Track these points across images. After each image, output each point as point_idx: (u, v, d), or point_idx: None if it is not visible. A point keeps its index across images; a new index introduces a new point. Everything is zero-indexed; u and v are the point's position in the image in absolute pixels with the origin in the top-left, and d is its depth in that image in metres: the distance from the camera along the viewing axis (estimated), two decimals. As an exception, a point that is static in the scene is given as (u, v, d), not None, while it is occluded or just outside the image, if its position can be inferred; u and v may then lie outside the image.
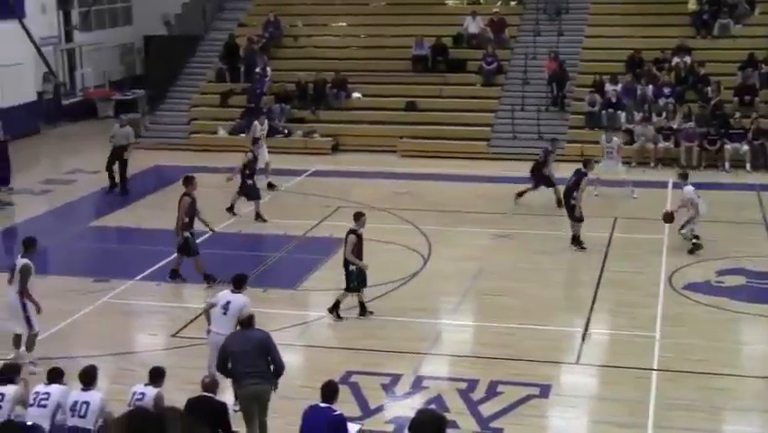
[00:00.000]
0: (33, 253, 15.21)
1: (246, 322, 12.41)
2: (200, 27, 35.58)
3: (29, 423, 11.34)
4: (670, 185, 23.64)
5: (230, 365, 12.06)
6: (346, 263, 16.34)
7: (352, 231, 16.39)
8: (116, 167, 25.19)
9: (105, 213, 23.58)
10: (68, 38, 35.09)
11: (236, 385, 12.11)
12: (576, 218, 19.94)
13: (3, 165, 25.24)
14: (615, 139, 24.63)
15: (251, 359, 11.94)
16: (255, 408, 12.03)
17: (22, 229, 22.86)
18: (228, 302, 13.40)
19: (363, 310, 16.63)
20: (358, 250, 16.33)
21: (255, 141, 23.98)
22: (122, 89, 35.60)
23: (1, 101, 30.75)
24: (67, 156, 29.03)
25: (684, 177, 20.36)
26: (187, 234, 18.08)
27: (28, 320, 14.82)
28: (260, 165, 23.77)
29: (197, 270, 18.11)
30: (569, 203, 20.12)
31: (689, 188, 19.89)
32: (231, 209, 22.29)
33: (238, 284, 13.69)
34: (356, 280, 16.39)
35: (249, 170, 22.01)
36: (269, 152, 24.81)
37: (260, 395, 12.03)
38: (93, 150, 30.49)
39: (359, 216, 16.54)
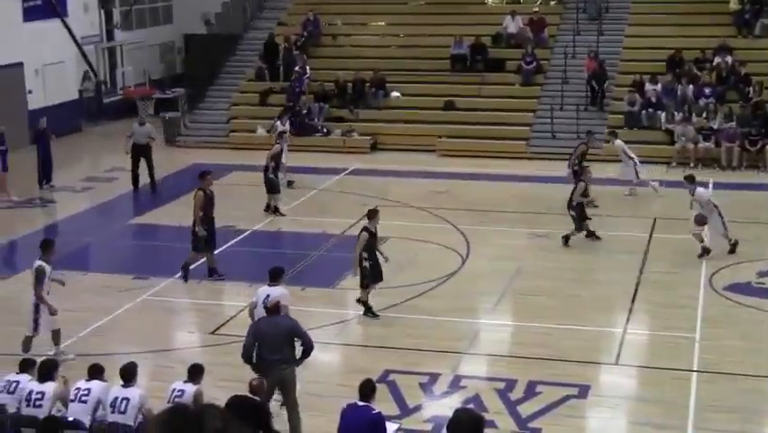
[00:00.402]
0: (50, 255, 15.12)
1: (273, 309, 12.69)
2: (240, 26, 35.73)
3: (70, 418, 11.47)
4: (710, 186, 23.40)
5: (255, 352, 12.31)
6: (360, 260, 16.35)
7: (365, 228, 16.45)
8: (142, 165, 25.37)
9: (145, 211, 23.76)
10: (110, 37, 35.37)
11: (263, 371, 12.26)
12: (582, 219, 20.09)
13: (45, 162, 25.50)
14: (617, 142, 24.35)
15: (278, 345, 12.26)
16: (273, 394, 12.32)
17: (62, 226, 23.12)
18: (268, 296, 13.61)
19: (368, 311, 16.57)
20: (370, 247, 16.35)
21: (281, 135, 24.06)
22: (162, 88, 35.83)
23: (44, 99, 31.10)
24: (107, 154, 29.27)
25: (691, 180, 19.91)
26: (202, 228, 18.14)
27: (35, 322, 14.80)
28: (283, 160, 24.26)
29: (188, 261, 18.30)
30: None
31: (700, 190, 19.56)
32: (276, 210, 22.33)
33: (274, 277, 13.99)
34: (370, 277, 16.39)
35: (275, 162, 22.22)
36: (305, 150, 24.94)
37: (287, 379, 12.37)
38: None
39: (373, 214, 16.60)
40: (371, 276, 16.42)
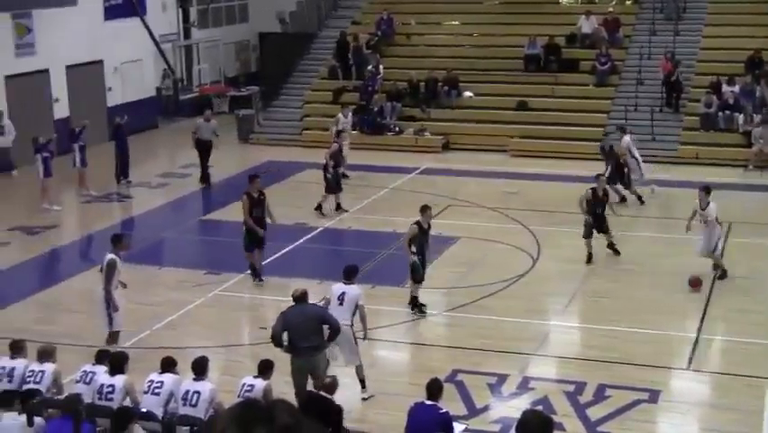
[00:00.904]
0: (121, 249, 15.26)
1: (300, 297, 12.99)
2: (314, 25, 35.97)
3: (143, 410, 11.67)
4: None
5: (285, 337, 12.70)
6: (409, 254, 16.37)
7: (416, 222, 16.50)
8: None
9: (218, 207, 24.02)
10: (186, 35, 35.86)
11: (292, 355, 12.74)
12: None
13: (123, 158, 25.96)
14: (626, 138, 23.87)
15: (307, 332, 12.65)
16: (306, 379, 12.67)
17: (138, 221, 23.53)
18: (343, 293, 13.78)
19: (415, 305, 16.62)
20: (420, 243, 16.37)
21: (338, 133, 24.14)
22: (236, 86, 36.22)
23: (122, 96, 31.67)
24: (182, 151, 29.64)
25: (708, 191, 18.40)
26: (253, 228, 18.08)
27: (110, 318, 14.89)
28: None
29: (251, 262, 18.42)
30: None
31: (712, 206, 18.10)
32: (339, 207, 22.51)
33: (349, 275, 14.05)
34: (419, 271, 16.40)
35: (334, 160, 22.30)
36: (377, 149, 25.02)
37: (315, 366, 12.71)
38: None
39: (425, 210, 16.62)
40: (422, 272, 16.44)
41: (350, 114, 26.33)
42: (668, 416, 13.36)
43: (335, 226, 21.63)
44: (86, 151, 24.65)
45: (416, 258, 16.32)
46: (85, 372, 12.18)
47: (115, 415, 10.84)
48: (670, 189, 24.21)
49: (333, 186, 22.48)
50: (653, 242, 20.37)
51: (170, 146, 31.73)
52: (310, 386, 12.52)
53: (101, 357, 12.44)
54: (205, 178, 25.90)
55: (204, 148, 25.72)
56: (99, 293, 14.98)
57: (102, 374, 11.94)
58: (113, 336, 14.86)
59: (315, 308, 13.13)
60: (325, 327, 12.83)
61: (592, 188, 19.46)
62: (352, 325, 13.68)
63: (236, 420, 3.20)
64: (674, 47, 30.03)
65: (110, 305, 14.84)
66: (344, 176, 24.82)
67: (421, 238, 16.39)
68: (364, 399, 13.56)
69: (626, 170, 22.95)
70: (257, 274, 18.36)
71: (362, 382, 13.76)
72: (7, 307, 17.53)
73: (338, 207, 22.62)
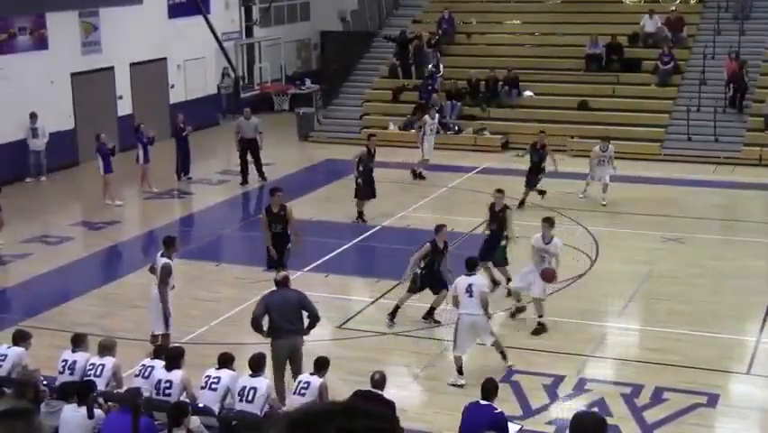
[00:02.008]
0: (173, 251, 15.12)
1: (282, 282, 13.61)
2: (375, 23, 36.03)
3: (200, 405, 11.83)
4: None
5: (266, 322, 13.33)
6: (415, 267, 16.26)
7: (431, 241, 16.37)
8: (249, 159, 25.63)
9: (278, 204, 24.14)
10: (249, 33, 36.15)
11: (274, 338, 13.35)
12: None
13: (184, 156, 26.26)
14: (611, 147, 23.47)
15: (289, 316, 13.25)
16: (285, 362, 13.23)
17: (198, 218, 23.79)
18: (470, 285, 14.28)
19: (394, 315, 16.33)
20: (431, 260, 16.19)
21: (370, 136, 22.98)
22: (297, 84, 36.43)
23: (185, 94, 32.05)
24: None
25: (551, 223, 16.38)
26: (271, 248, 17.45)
27: (166, 320, 14.78)
28: (426, 157, 24.50)
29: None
30: None
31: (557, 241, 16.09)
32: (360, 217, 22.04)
33: (471, 267, 14.58)
34: (417, 284, 16.22)
35: (361, 165, 21.53)
36: (436, 147, 25.01)
37: (296, 349, 13.29)
38: (268, 142, 31.36)
39: (438, 229, 16.43)
40: (420, 284, 16.24)
41: (437, 115, 25.91)
42: (726, 420, 13.20)
43: (393, 225, 21.66)
44: (150, 148, 24.93)
45: (419, 271, 16.19)
46: (144, 366, 12.35)
47: (171, 409, 10.99)
48: (732, 191, 23.91)
49: (364, 192, 21.76)
50: (714, 244, 20.11)
51: (230, 144, 31.88)
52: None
53: (158, 352, 12.60)
54: (260, 174, 25.75)
55: (248, 147, 25.63)
56: (154, 294, 14.93)
57: (159, 369, 12.10)
58: (165, 339, 14.75)
59: (297, 294, 13.58)
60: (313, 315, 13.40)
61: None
62: (486, 313, 14.27)
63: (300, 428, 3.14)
64: (739, 46, 29.61)
65: (166, 308, 14.80)
66: (421, 177, 24.75)
67: (432, 257, 16.23)
68: (510, 366, 14.38)
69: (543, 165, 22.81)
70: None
71: (503, 354, 14.48)
72: (70, 301, 17.84)
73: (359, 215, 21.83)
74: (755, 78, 29.11)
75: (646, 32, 31.45)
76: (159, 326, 14.85)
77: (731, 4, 31.56)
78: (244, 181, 25.76)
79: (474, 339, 14.36)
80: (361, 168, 21.67)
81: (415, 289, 16.29)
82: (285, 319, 13.27)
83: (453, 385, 13.99)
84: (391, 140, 29.76)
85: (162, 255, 14.90)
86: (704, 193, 23.12)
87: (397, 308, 16.25)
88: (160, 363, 12.20)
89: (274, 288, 13.83)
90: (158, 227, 22.29)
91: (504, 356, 14.51)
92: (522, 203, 22.27)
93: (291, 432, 3.11)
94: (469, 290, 14.19)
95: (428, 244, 16.38)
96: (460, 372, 14.08)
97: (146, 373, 12.21)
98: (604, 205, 22.78)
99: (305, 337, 13.54)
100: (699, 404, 13.37)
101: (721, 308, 16.87)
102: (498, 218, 17.40)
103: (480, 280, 14.60)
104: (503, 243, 17.33)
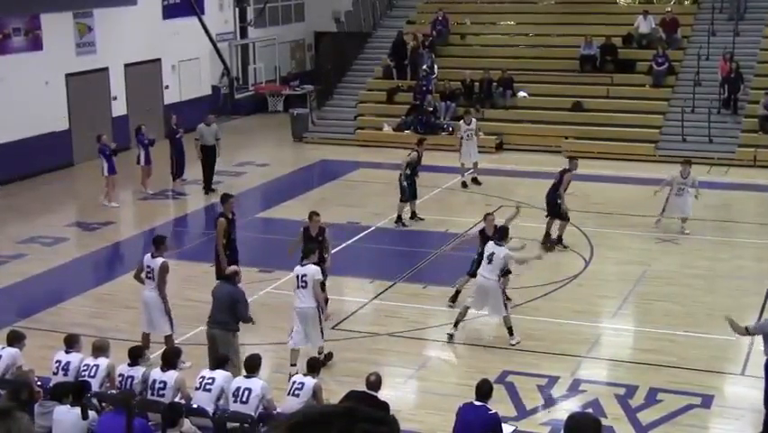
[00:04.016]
0: (165, 250, 15.05)
1: (226, 277, 14.37)
2: (369, 24, 36.03)
3: (194, 406, 11.81)
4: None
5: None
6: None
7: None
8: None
9: (272, 205, 24.18)
10: (243, 34, 36.12)
11: (207, 326, 14.03)
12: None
13: (179, 157, 26.18)
14: (692, 173, 22.53)
15: (221, 307, 13.85)
16: (216, 348, 13.57)
17: (192, 219, 23.76)
18: (492, 253, 15.29)
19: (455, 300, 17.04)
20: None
21: (420, 141, 22.96)
22: (292, 84, 36.41)
23: (179, 95, 32.02)
24: (237, 149, 29.91)
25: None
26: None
27: (170, 321, 14.79)
28: (469, 164, 24.71)
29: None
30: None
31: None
32: (414, 215, 21.92)
33: (502, 236, 15.53)
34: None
35: (410, 169, 21.56)
36: (435, 148, 24.99)
37: (224, 341, 13.65)
38: (263, 143, 31.39)
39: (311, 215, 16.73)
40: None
41: (473, 120, 25.46)
42: (721, 421, 13.22)
43: (387, 226, 21.66)
44: (150, 149, 24.80)
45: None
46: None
47: (166, 410, 10.98)
48: (727, 192, 23.94)
49: (410, 193, 21.64)
50: (708, 245, 20.14)
51: (225, 145, 31.87)
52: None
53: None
54: (207, 183, 25.03)
55: (209, 154, 24.97)
56: (151, 298, 14.82)
57: (152, 371, 12.09)
58: (169, 340, 14.77)
59: (231, 289, 13.95)
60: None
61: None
62: (499, 280, 15.29)
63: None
64: (734, 48, 29.65)
65: (168, 308, 14.80)
66: (476, 182, 24.55)
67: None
68: (512, 344, 15.18)
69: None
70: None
71: (510, 329, 15.29)
72: (64, 301, 17.82)
73: (413, 215, 21.86)
74: (750, 79, 29.15)
75: (641, 32, 31.48)
76: (163, 327, 14.77)
77: (725, 6, 31.60)
78: (208, 190, 24.95)
79: (484, 302, 15.34)
80: (408, 171, 21.47)
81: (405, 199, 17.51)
82: (217, 310, 13.88)
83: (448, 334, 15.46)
84: (385, 141, 29.80)
85: (153, 256, 14.81)
86: (698, 194, 23.08)
87: (457, 292, 16.91)
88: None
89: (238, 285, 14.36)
90: (152, 228, 22.26)
91: (510, 332, 15.24)
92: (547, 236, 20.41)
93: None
94: (490, 257, 15.25)
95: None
96: (456, 324, 15.50)
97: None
98: (687, 234, 20.72)
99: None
100: (694, 405, 13.39)
101: (715, 308, 16.87)
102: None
103: (503, 252, 15.30)
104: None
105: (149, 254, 14.93)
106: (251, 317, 14.09)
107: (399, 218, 21.70)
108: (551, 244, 19.80)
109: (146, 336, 14.86)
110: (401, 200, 21.56)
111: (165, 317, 14.73)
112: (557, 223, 19.95)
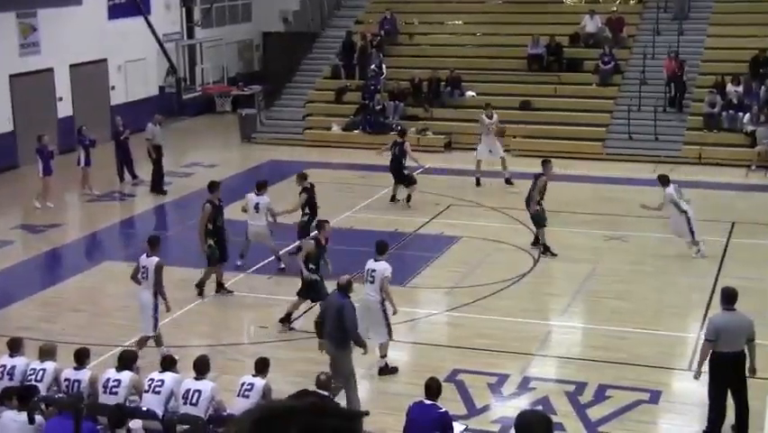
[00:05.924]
0: (159, 250, 15.23)
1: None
2: (317, 24, 35.96)
3: (144, 408, 11.70)
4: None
5: None
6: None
7: (313, 237, 16.38)
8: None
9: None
10: (190, 34, 35.87)
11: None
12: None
13: (125, 158, 25.89)
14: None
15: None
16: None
17: (140, 221, 23.53)
18: (372, 270, 14.58)
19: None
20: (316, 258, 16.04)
21: (402, 133, 24.14)
22: (239, 85, 36.22)
23: (126, 96, 31.71)
24: (185, 150, 29.69)
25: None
26: (210, 242, 17.46)
27: (156, 321, 14.88)
28: (486, 160, 24.70)
29: (203, 278, 17.70)
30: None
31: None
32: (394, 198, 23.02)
33: (380, 251, 14.78)
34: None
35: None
36: (378, 148, 25.02)
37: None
38: (211, 144, 31.19)
39: (321, 226, 16.52)
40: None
41: (494, 114, 25.27)
42: (668, 416, 13.36)
43: (337, 226, 21.59)
44: (91, 150, 24.59)
45: (315, 276, 15.81)
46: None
47: (111, 412, 10.88)
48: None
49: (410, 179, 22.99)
50: (656, 242, 20.34)
51: (174, 145, 31.67)
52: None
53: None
54: (159, 183, 24.97)
55: (159, 154, 25.02)
56: (144, 298, 14.89)
57: (109, 369, 12.03)
58: (143, 342, 14.92)
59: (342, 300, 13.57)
60: None
61: None
62: (382, 301, 14.40)
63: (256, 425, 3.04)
64: (678, 46, 30.00)
65: (156, 309, 14.88)
66: (509, 182, 24.55)
67: (319, 253, 15.98)
68: (381, 368, 14.39)
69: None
70: (223, 288, 17.89)
71: (384, 357, 14.49)
72: (11, 305, 17.56)
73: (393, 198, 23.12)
74: (694, 78, 29.51)
75: (587, 32, 31.74)
76: (146, 328, 14.88)
77: (670, 5, 31.96)
78: (159, 191, 24.89)
79: (366, 322, 14.13)
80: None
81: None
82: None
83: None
84: (333, 141, 29.76)
85: (149, 256, 14.96)
86: (645, 192, 23.29)
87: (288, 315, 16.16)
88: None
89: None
90: (99, 230, 22.02)
91: (384, 355, 14.50)
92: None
93: (256, 430, 3.00)
94: (371, 275, 14.44)
95: (311, 242, 16.23)
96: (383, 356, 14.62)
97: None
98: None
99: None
100: (642, 401, 13.52)
101: (663, 305, 17.08)
102: None
103: (382, 266, 14.50)
104: None
105: (144, 255, 15.07)
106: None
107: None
108: (544, 251, 19.58)
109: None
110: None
111: (152, 319, 14.84)
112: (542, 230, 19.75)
